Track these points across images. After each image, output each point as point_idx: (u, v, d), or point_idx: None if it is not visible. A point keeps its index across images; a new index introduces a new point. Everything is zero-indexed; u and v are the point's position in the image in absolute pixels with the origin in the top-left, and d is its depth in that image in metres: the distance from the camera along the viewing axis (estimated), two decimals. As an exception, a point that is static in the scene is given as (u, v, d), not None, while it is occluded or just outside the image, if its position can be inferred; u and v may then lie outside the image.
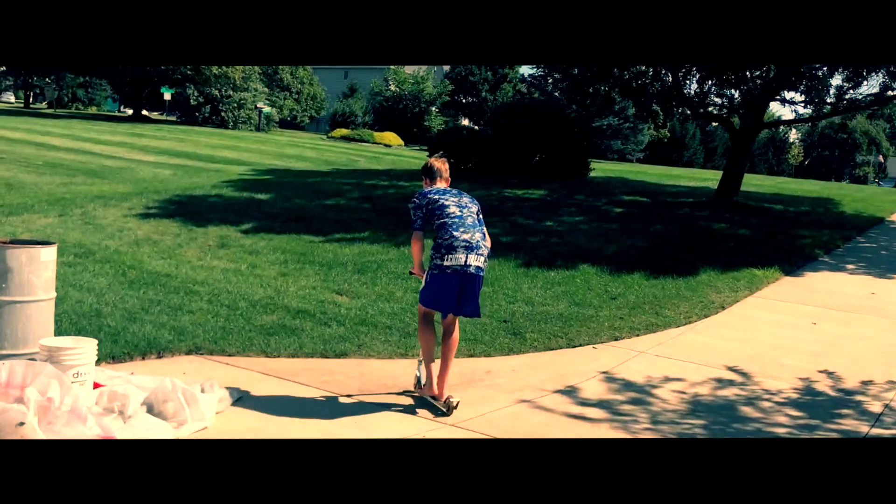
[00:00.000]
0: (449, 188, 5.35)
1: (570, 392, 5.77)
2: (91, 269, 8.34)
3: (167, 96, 43.58)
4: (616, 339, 7.15)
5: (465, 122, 52.55)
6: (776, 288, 9.48)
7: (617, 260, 10.08)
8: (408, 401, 5.33)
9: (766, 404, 5.75)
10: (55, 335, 4.93)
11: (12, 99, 66.91)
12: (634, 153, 48.75)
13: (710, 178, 23.42)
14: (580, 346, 6.94)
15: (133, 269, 8.43)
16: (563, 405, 5.47)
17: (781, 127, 48.23)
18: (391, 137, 41.72)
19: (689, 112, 16.87)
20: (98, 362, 5.61)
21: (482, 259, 5.04)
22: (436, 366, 5.24)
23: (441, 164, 5.41)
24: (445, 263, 4.97)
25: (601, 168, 22.52)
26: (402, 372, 5.88)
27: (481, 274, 5.07)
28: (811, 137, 67.81)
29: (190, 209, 12.22)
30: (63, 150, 20.80)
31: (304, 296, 7.88)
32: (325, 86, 59.95)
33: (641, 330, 7.47)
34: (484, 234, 5.14)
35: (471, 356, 6.47)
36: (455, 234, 4.97)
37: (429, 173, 5.38)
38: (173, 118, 45.41)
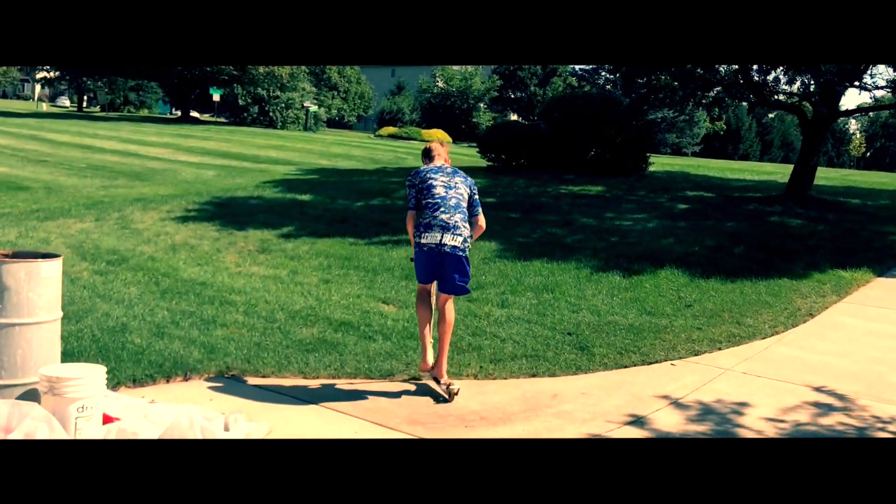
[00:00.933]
0: (444, 166, 5.49)
1: (647, 423, 4.98)
2: (122, 277, 7.83)
3: (216, 97, 43.70)
4: (696, 354, 6.34)
5: (514, 117, 51.72)
6: (868, 291, 8.54)
7: (687, 261, 9.22)
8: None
9: (882, 435, 4.91)
10: (62, 360, 4.34)
11: (67, 103, 68.18)
12: (690, 146, 47.39)
13: (774, 172, 22.25)
14: (656, 362, 6.14)
15: (167, 277, 7.89)
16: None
17: (842, 117, 46.15)
18: (439, 135, 41.07)
19: (756, 100, 15.74)
20: (117, 386, 5.05)
21: (459, 239, 5.18)
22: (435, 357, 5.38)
23: (438, 145, 5.69)
24: (422, 241, 5.20)
25: (658, 162, 21.49)
26: (458, 399, 5.19)
27: (459, 253, 5.19)
28: (873, 127, 65.15)
29: (230, 211, 11.70)
30: (109, 152, 20.63)
31: (348, 305, 7.24)
32: (373, 84, 59.68)
33: (723, 342, 6.65)
34: (465, 216, 5.26)
35: (533, 376, 5.73)
36: (434, 213, 5.18)
37: (427, 154, 5.64)
38: (223, 119, 45.47)
